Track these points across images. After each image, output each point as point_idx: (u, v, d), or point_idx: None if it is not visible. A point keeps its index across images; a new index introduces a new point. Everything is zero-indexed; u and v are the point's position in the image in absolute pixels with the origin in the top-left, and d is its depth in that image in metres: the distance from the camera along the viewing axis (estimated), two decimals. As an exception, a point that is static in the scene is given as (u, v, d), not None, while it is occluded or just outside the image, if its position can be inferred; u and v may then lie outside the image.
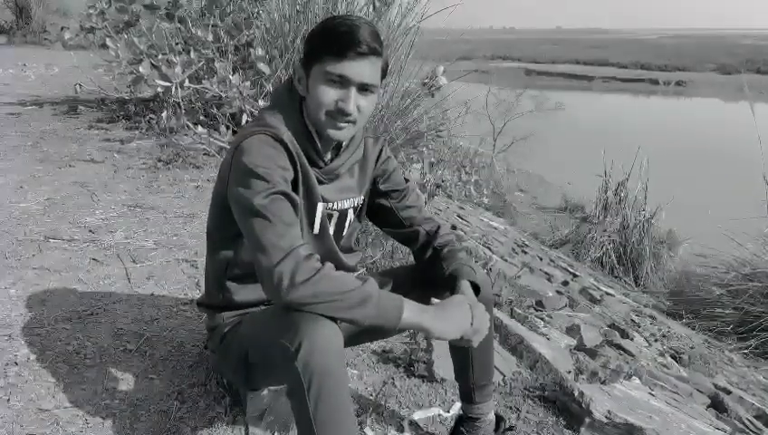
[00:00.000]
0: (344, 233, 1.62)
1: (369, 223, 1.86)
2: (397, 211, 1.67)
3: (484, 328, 1.45)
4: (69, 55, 7.07)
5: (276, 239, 1.26)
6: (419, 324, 1.33)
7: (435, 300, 1.45)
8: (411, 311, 1.31)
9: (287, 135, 1.40)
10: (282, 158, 1.37)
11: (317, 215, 1.51)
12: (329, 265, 1.28)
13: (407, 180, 1.72)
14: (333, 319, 1.25)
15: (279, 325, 1.27)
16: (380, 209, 1.68)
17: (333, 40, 1.35)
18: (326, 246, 1.56)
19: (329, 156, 1.51)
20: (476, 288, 1.54)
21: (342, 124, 1.40)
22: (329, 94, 1.37)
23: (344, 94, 1.37)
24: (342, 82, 1.37)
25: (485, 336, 1.47)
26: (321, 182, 1.50)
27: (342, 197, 1.56)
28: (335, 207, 1.55)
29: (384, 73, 1.45)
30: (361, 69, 1.36)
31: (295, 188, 1.41)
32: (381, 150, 1.64)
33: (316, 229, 1.52)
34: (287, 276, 1.22)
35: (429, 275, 1.64)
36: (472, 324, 1.41)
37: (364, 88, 1.39)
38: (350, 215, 1.61)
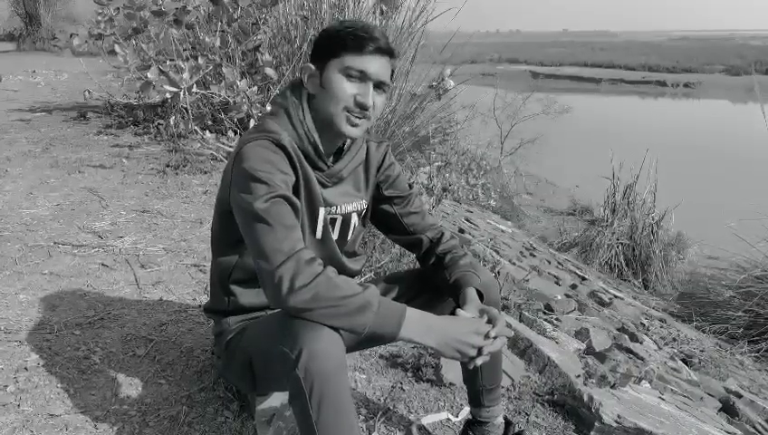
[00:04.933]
0: (348, 238, 1.61)
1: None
2: (400, 218, 1.66)
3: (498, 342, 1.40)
4: (78, 62, 7.14)
5: (277, 243, 1.26)
6: (419, 341, 1.29)
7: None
8: (413, 324, 1.28)
9: (288, 140, 1.40)
10: (282, 162, 1.37)
11: (319, 219, 1.50)
12: (330, 268, 1.27)
13: (410, 186, 1.72)
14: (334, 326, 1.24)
15: (280, 332, 1.27)
16: (384, 215, 1.68)
17: (353, 36, 1.37)
18: (328, 250, 1.55)
19: (331, 159, 1.52)
20: (480, 295, 1.52)
21: (357, 121, 1.40)
22: (348, 88, 1.38)
23: (363, 89, 1.39)
24: (362, 77, 1.38)
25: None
26: (323, 186, 1.50)
27: (345, 200, 1.56)
28: (338, 211, 1.55)
29: (391, 78, 1.47)
30: (379, 66, 1.39)
31: (297, 193, 1.41)
32: (385, 156, 1.64)
33: (318, 234, 1.52)
34: (287, 280, 1.21)
35: (435, 280, 1.63)
36: (480, 352, 1.34)
37: (379, 86, 1.41)
38: (355, 219, 1.60)
